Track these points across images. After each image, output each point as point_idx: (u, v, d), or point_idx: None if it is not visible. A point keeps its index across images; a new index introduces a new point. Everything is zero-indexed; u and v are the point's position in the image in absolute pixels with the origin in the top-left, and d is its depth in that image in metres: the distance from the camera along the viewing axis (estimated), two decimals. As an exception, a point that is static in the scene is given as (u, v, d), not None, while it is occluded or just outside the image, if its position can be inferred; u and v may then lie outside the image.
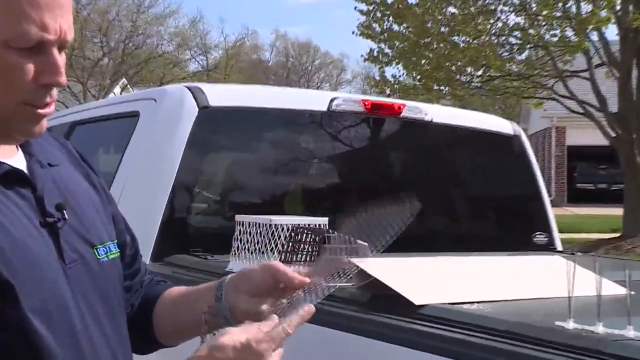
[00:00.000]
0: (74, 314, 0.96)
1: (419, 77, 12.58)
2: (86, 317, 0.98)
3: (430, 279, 1.56)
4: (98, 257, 1.04)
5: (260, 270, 1.07)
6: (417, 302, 1.39)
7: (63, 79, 0.97)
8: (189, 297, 1.08)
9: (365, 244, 1.91)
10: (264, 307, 1.03)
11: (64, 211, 1.00)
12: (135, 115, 2.61)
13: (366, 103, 2.75)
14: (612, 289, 1.49)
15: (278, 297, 1.05)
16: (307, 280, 1.03)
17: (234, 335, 0.91)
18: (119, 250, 1.10)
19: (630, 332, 1.15)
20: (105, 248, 1.06)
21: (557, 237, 3.06)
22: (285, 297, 1.04)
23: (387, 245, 1.06)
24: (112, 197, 1.18)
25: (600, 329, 1.17)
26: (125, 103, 2.87)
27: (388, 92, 13.39)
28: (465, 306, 1.39)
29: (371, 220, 1.05)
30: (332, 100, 2.68)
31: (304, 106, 2.71)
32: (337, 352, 1.47)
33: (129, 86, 23.23)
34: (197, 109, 2.41)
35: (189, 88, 2.49)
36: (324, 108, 2.68)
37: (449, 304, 1.40)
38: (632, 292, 1.43)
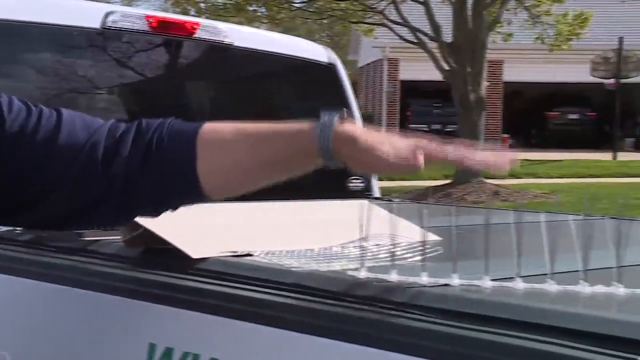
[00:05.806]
0: None
1: (229, -7, 12.53)
2: None
3: (215, 230, 1.60)
4: None
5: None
6: (195, 256, 1.43)
7: None
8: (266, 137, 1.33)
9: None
10: None
11: None
12: None
13: (151, 20, 2.70)
14: (416, 234, 1.63)
15: None
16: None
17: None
18: None
19: (424, 279, 1.26)
20: None
21: (375, 182, 3.23)
22: None
23: None
24: None
25: (393, 276, 1.28)
26: None
27: (193, 12, 13.17)
28: (250, 259, 1.45)
29: None
30: (107, 16, 2.60)
31: (71, 22, 2.60)
32: (97, 316, 1.47)
33: None
34: None
35: None
36: (97, 25, 2.60)
37: (233, 256, 1.46)
38: (433, 238, 1.58)
